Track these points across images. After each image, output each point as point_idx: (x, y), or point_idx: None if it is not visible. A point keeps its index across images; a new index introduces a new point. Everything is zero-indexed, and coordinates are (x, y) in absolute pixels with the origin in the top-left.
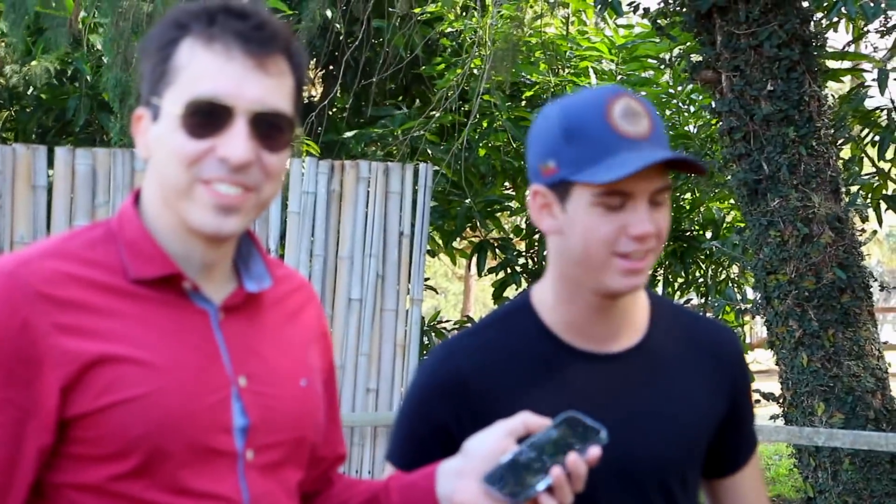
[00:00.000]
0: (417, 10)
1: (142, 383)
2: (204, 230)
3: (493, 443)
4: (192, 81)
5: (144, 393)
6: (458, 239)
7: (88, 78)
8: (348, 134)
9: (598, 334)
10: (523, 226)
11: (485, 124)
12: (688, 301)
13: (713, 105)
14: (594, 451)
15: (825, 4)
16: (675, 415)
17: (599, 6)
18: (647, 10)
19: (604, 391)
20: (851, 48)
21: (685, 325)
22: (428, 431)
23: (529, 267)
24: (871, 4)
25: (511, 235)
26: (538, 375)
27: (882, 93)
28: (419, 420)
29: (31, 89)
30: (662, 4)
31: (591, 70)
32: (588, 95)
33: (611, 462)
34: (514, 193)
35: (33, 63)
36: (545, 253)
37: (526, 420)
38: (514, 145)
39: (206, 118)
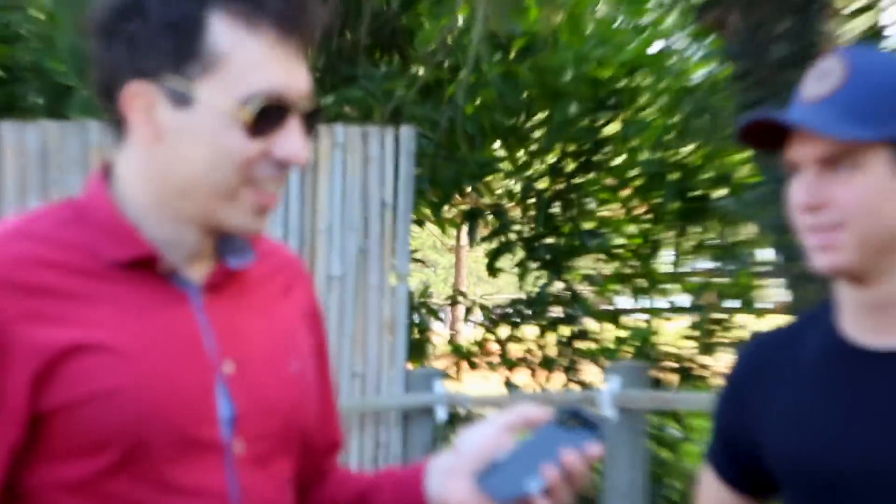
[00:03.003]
0: None
1: (119, 373)
2: (246, 231)
3: (488, 439)
4: (244, 73)
5: (122, 384)
6: (446, 207)
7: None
8: (327, 99)
9: (877, 326)
10: (517, 189)
11: (472, 79)
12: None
13: (727, 50)
14: (593, 449)
15: None
16: None
17: None
18: None
19: (868, 389)
20: None
21: None
22: (718, 428)
23: (525, 234)
24: None
25: (504, 201)
26: (814, 372)
27: None
28: (716, 416)
29: None
30: None
31: (588, 18)
32: None
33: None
34: (505, 154)
35: None
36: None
37: (525, 413)
38: (504, 98)
39: (268, 117)
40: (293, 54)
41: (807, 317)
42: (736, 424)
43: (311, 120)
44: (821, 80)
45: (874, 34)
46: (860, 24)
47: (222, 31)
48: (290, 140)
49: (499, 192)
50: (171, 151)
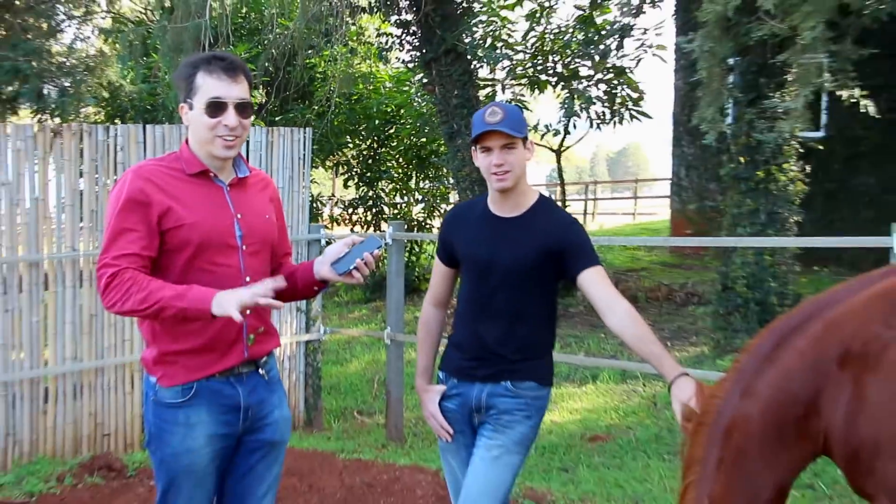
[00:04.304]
0: (307, 62)
1: (191, 217)
2: (223, 157)
3: (338, 247)
4: (206, 91)
5: (193, 221)
6: (327, 160)
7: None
8: (277, 118)
9: (502, 209)
10: (355, 154)
11: (336, 111)
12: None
13: (434, 101)
14: (377, 252)
15: (479, 55)
16: (523, 245)
17: (380, 57)
18: (404, 61)
19: (498, 231)
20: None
21: (549, 212)
22: (440, 240)
23: (361, 172)
24: (493, 54)
25: (350, 158)
26: (478, 222)
27: (504, 94)
28: (440, 237)
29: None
30: (409, 56)
31: (381, 87)
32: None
33: (492, 259)
34: (350, 140)
35: (136, 86)
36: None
37: (353, 238)
38: (347, 119)
39: (216, 107)
40: (229, 83)
41: (476, 200)
42: (447, 239)
43: (241, 109)
44: (494, 115)
45: (493, 95)
46: (486, 92)
47: (200, 78)
48: (227, 117)
49: (348, 155)
50: (192, 127)
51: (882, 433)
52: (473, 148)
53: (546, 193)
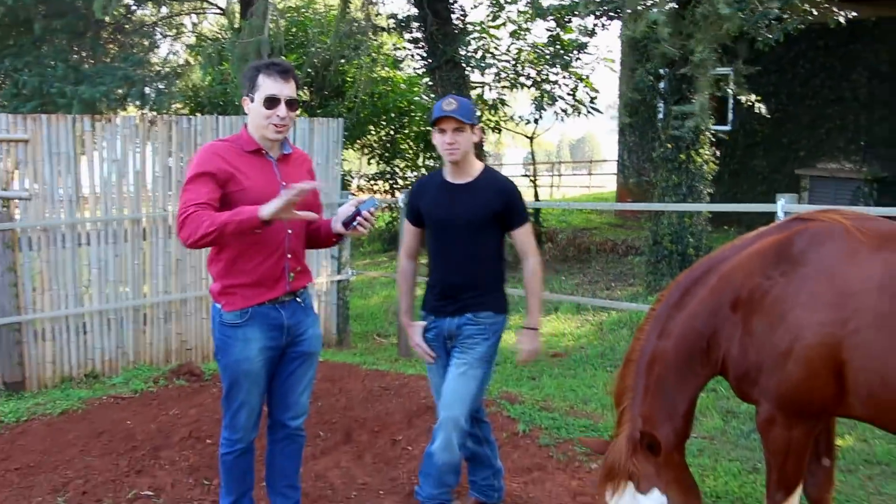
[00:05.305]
0: (340, 68)
1: (248, 183)
2: (272, 139)
3: (347, 207)
4: (265, 89)
5: (249, 186)
6: (355, 143)
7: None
8: (318, 112)
9: (456, 177)
10: (376, 139)
11: (363, 105)
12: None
13: (437, 99)
14: (373, 209)
15: (472, 64)
16: (474, 205)
17: (396, 65)
18: (414, 68)
19: (454, 195)
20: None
21: (493, 178)
22: (409, 205)
23: (381, 153)
24: (482, 63)
25: (373, 142)
26: (438, 189)
27: (490, 93)
28: (409, 202)
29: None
30: (418, 65)
31: (397, 87)
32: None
33: (451, 218)
34: (373, 128)
35: (212, 87)
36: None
37: (359, 199)
38: (371, 112)
39: (271, 102)
40: (283, 83)
41: (436, 173)
42: (414, 204)
43: (290, 104)
44: (450, 105)
45: (482, 95)
46: (477, 92)
47: (261, 78)
48: (279, 110)
49: (372, 139)
50: (251, 115)
51: (764, 357)
52: (433, 129)
53: (522, 171)
